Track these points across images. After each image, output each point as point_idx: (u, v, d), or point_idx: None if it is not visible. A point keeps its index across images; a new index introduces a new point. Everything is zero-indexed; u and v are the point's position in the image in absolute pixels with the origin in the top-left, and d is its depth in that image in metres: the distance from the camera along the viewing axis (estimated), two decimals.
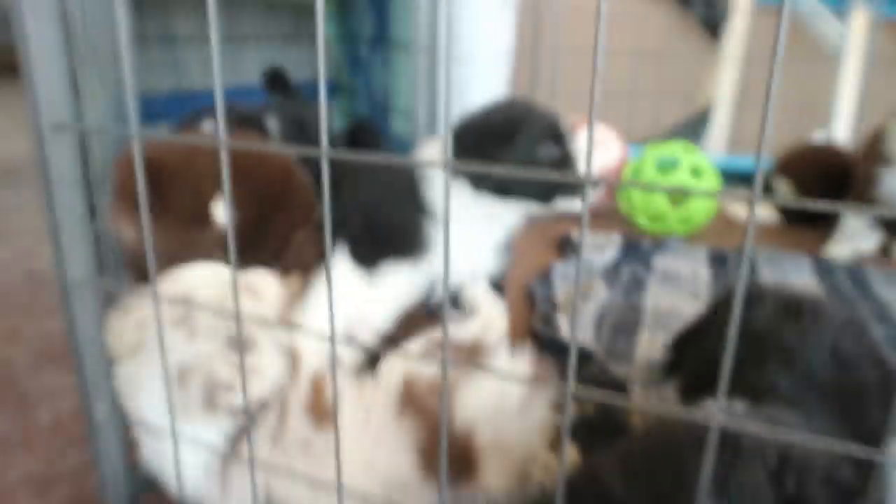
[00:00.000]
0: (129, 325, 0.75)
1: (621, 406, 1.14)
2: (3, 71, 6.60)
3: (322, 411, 0.83)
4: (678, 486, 0.55)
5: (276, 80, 2.36)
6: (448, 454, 0.82)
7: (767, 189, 2.32)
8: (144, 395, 0.76)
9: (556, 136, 1.13)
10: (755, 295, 0.86)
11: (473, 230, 1.15)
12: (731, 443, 0.59)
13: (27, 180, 2.85)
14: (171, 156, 0.94)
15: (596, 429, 1.09)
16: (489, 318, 1.11)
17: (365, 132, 1.58)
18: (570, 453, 1.01)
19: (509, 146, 1.09)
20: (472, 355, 0.96)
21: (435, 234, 1.16)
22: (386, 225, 1.18)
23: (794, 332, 0.76)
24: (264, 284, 0.87)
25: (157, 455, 0.82)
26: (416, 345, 0.98)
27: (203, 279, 0.83)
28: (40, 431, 1.15)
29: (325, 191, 0.53)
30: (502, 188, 1.11)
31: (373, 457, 0.82)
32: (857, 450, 0.43)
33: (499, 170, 0.46)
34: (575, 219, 2.38)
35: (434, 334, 1.02)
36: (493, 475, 0.84)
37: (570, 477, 0.67)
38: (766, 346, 0.75)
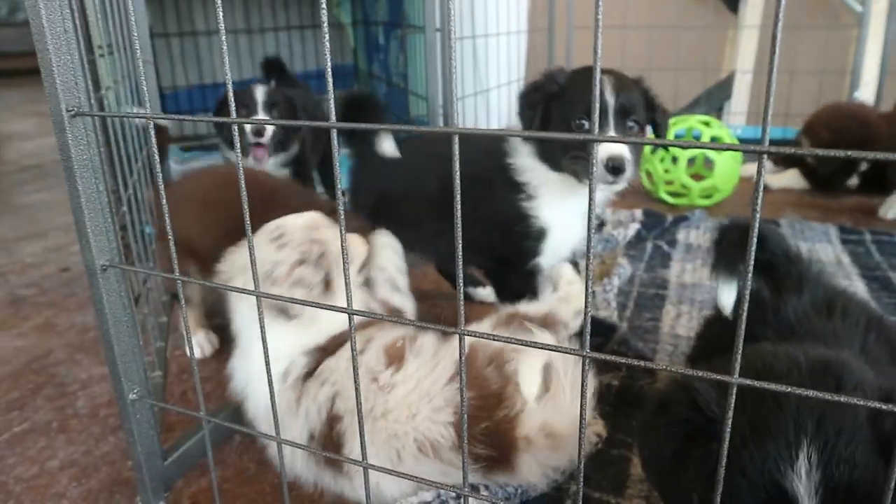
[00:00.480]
0: (242, 250, 0.97)
1: (641, 372, 1.14)
2: (24, 75, 6.74)
3: (395, 354, 0.91)
4: (772, 410, 0.56)
5: (272, 68, 2.42)
6: (488, 441, 0.83)
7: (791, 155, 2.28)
8: (242, 303, 0.95)
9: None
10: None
11: (563, 206, 1.13)
12: (833, 378, 0.59)
13: (58, 180, 2.91)
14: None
15: (621, 397, 1.09)
16: (566, 293, 1.12)
17: (359, 103, 1.62)
18: (596, 423, 1.01)
19: (544, 113, 1.09)
20: (542, 326, 0.97)
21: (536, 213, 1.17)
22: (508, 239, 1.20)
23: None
24: (354, 241, 1.04)
25: (243, 365, 0.97)
26: (489, 319, 1.02)
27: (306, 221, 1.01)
28: (79, 419, 1.18)
29: (335, 160, 0.54)
30: (547, 158, 1.10)
31: (419, 410, 0.85)
32: None
33: (511, 132, 0.46)
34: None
35: (507, 310, 1.04)
36: (536, 463, 0.84)
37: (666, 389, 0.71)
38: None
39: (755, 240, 0.43)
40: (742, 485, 0.56)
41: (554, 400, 0.87)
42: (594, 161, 0.45)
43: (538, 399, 0.86)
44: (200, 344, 1.36)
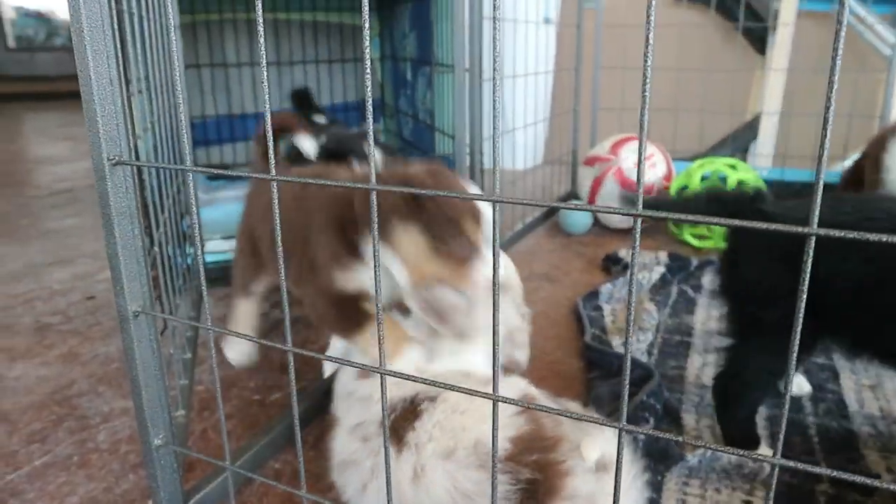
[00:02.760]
0: None
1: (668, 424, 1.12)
2: (58, 99, 6.91)
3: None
4: None
5: (301, 99, 2.45)
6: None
7: None
8: None
9: None
10: None
11: None
12: None
13: (88, 205, 2.96)
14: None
15: (647, 451, 1.07)
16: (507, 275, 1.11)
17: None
18: None
19: None
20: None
21: None
22: None
23: None
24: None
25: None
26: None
27: None
28: (100, 454, 1.18)
29: (374, 223, 0.54)
30: None
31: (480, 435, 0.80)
32: None
33: (565, 205, 0.46)
34: (617, 236, 2.37)
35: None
36: None
37: None
38: None
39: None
40: None
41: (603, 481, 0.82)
42: None
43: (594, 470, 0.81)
44: (242, 350, 1.30)
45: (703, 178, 2.21)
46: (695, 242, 2.20)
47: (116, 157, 0.67)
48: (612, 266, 1.99)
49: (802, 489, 0.99)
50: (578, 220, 2.38)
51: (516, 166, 3.40)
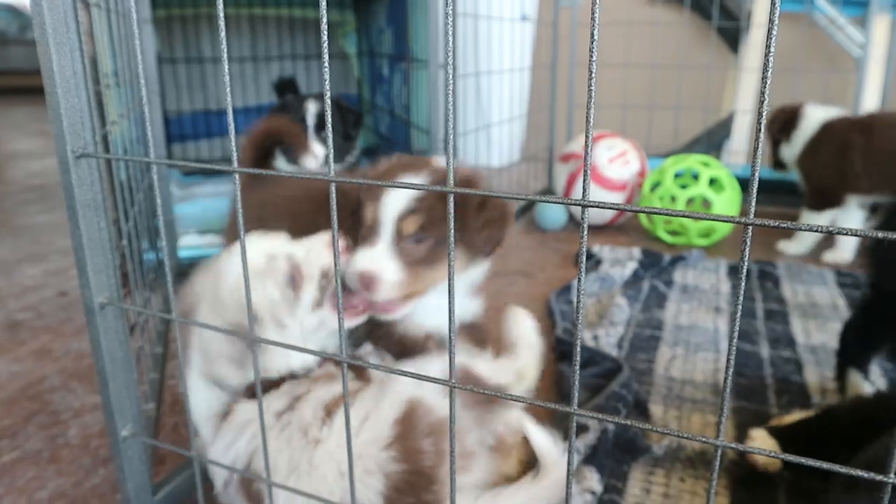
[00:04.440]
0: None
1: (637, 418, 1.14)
2: (32, 93, 6.80)
3: (333, 407, 0.82)
4: None
5: (286, 89, 2.48)
6: None
7: None
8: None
9: None
10: None
11: None
12: None
13: (60, 201, 2.92)
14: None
15: (616, 444, 1.09)
16: (525, 365, 1.06)
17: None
18: (591, 478, 1.01)
19: None
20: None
21: None
22: None
23: None
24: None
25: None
26: (436, 367, 0.91)
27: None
28: (70, 450, 1.17)
29: (333, 214, 0.55)
30: None
31: (345, 468, 0.76)
32: None
33: (502, 194, 0.47)
34: (590, 233, 2.39)
35: (467, 365, 0.93)
36: None
37: None
38: None
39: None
40: None
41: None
42: None
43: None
44: None
45: (677, 176, 2.24)
46: (668, 239, 2.23)
47: (81, 150, 0.67)
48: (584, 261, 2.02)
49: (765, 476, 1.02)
50: (554, 216, 2.40)
51: (492, 163, 3.41)
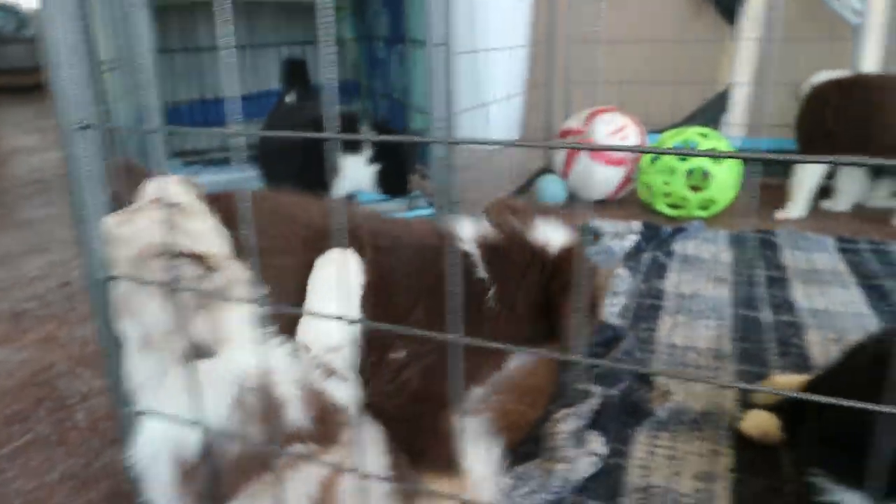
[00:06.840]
0: None
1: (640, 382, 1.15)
2: (30, 91, 6.81)
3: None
4: None
5: (296, 73, 2.30)
6: None
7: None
8: None
9: None
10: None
11: None
12: None
13: (61, 194, 2.93)
14: None
15: (621, 408, 1.10)
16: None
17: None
18: (596, 440, 1.01)
19: None
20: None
21: None
22: None
23: None
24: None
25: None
26: None
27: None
28: (79, 432, 1.19)
29: (329, 177, 0.56)
30: None
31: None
32: None
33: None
34: (593, 207, 2.39)
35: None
36: None
37: None
38: None
39: None
40: None
41: None
42: None
43: None
44: None
45: (675, 148, 2.24)
46: (668, 211, 2.23)
47: (84, 122, 0.68)
48: (584, 235, 2.02)
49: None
50: (553, 193, 2.40)
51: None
